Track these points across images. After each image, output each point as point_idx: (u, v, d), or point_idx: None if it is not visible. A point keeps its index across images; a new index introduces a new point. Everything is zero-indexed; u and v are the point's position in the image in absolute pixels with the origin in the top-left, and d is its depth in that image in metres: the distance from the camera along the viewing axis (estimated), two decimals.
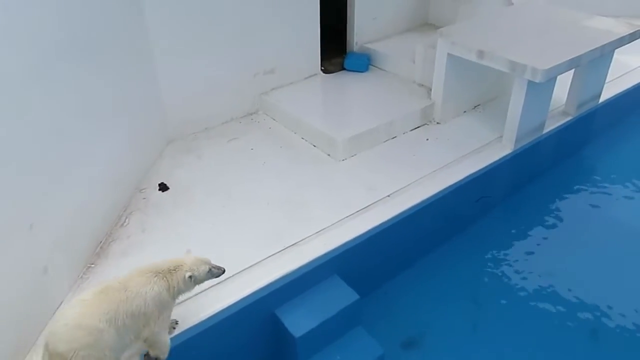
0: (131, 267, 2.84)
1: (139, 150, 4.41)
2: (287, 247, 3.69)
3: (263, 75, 5.38)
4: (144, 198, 4.24)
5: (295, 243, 3.73)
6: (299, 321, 3.33)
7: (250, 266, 3.53)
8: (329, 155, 4.75)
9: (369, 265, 3.91)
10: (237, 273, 3.47)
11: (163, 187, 4.35)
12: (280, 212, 4.05)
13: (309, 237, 3.78)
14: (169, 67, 4.67)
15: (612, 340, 3.69)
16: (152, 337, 2.70)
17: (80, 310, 2.48)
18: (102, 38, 3.70)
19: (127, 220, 4.00)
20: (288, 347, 3.34)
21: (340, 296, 3.50)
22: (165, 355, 2.82)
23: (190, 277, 2.80)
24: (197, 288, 2.98)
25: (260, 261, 3.57)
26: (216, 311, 3.19)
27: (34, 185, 2.99)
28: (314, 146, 4.89)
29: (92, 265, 3.58)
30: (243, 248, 3.68)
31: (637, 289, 4.10)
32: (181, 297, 2.92)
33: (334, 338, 3.45)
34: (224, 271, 3.02)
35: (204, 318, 3.15)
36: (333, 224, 3.90)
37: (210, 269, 2.93)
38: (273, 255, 3.63)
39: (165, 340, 2.81)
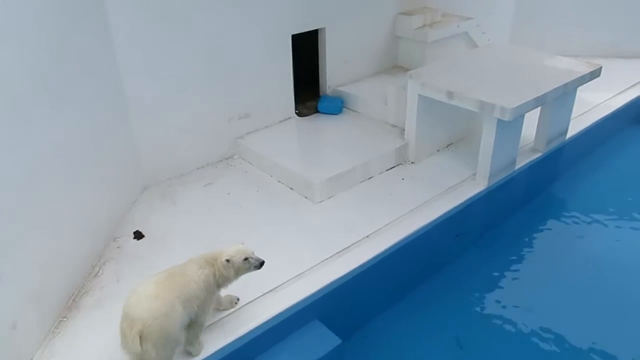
0: (105, 319, 2.77)
1: (113, 199, 4.34)
2: (265, 293, 3.63)
3: (238, 119, 5.42)
4: (119, 247, 4.15)
5: (275, 288, 3.67)
6: None
7: (229, 314, 3.45)
8: (306, 197, 4.75)
9: (350, 308, 3.86)
10: (216, 322, 3.39)
11: (138, 235, 4.27)
12: (258, 256, 3.99)
13: (288, 281, 3.73)
14: (143, 114, 4.68)
15: None
16: (201, 318, 3.06)
17: (154, 287, 2.84)
18: (75, 86, 3.70)
19: (101, 270, 3.89)
20: None
21: (321, 341, 3.44)
22: (197, 354, 3.12)
23: (227, 260, 3.09)
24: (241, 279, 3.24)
25: (239, 308, 3.50)
26: None
27: (3, 235, 2.91)
28: (291, 189, 4.89)
29: (64, 319, 3.46)
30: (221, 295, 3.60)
31: (611, 321, 4.13)
32: (226, 286, 3.21)
33: None
34: (262, 263, 3.23)
35: None
36: (312, 267, 3.87)
37: (247, 258, 3.16)
38: (252, 301, 3.56)
39: (204, 325, 3.15)
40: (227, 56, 5.10)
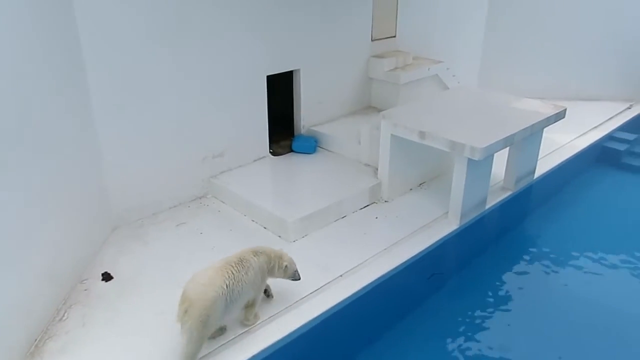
0: None
1: (80, 239, 4.23)
2: (240, 334, 3.54)
3: (212, 159, 5.40)
4: (86, 289, 4.02)
5: (249, 329, 3.59)
6: None
7: (205, 356, 3.34)
8: (280, 236, 4.72)
9: (325, 348, 3.79)
10: None
11: (107, 277, 4.16)
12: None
13: (262, 322, 3.66)
14: (114, 153, 4.64)
15: None
16: (257, 298, 3.60)
17: (208, 274, 3.33)
18: (45, 126, 3.65)
19: (66, 314, 3.75)
20: None
21: None
22: (254, 323, 3.62)
23: (286, 266, 3.71)
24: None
25: (211, 351, 3.40)
26: None
27: None
28: (265, 228, 4.86)
29: None
30: None
31: (591, 357, 4.15)
32: (267, 280, 3.71)
33: None
34: (299, 279, 3.85)
35: None
36: (286, 307, 3.81)
37: (296, 271, 3.81)
38: (224, 344, 3.47)
39: (257, 307, 3.65)
40: (202, 95, 5.13)
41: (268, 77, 5.69)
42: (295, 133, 6.38)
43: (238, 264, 3.44)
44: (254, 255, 3.56)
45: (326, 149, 6.20)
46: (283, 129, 6.35)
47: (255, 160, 5.84)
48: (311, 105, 6.32)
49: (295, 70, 6.07)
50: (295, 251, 4.48)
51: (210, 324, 3.24)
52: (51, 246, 3.74)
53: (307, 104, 6.26)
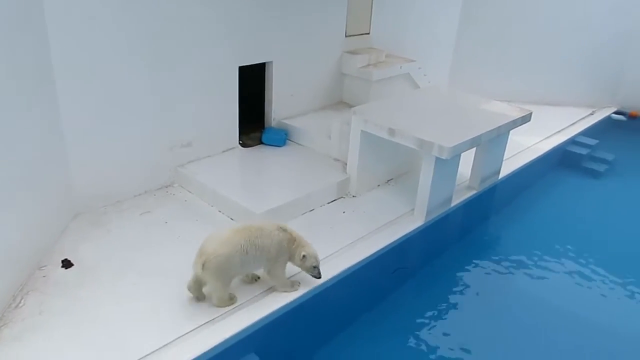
0: (25, 354, 2.62)
1: (39, 225, 4.11)
2: (201, 325, 3.51)
3: (180, 148, 5.33)
4: (44, 276, 3.92)
5: (211, 320, 3.57)
6: None
7: (161, 347, 3.31)
8: None
9: (287, 342, 3.80)
10: (146, 356, 3.24)
11: (67, 264, 4.06)
12: (320, 271, 3.91)
13: (224, 314, 3.63)
14: (77, 139, 4.54)
15: None
16: (272, 270, 3.76)
17: (229, 233, 3.61)
18: (6, 109, 3.53)
19: (22, 301, 3.65)
20: None
21: None
22: (283, 288, 3.85)
23: (304, 256, 3.76)
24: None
25: (172, 341, 3.36)
26: None
27: None
28: (232, 219, 4.83)
29: None
30: (155, 328, 3.46)
31: (545, 356, 4.28)
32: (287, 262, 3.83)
33: None
34: (319, 277, 3.88)
35: None
36: (250, 299, 3.79)
37: (316, 267, 3.84)
38: (186, 334, 3.43)
39: (282, 277, 3.84)
40: (171, 83, 5.05)
41: (240, 68, 5.64)
42: (266, 125, 6.35)
43: (257, 230, 3.67)
44: (276, 229, 3.73)
45: (296, 143, 6.19)
46: (253, 121, 6.31)
47: (224, 151, 5.79)
48: (283, 98, 6.30)
49: (268, 62, 6.03)
50: None
51: (228, 276, 3.59)
52: (7, 230, 3.63)
53: (278, 96, 6.24)
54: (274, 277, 3.81)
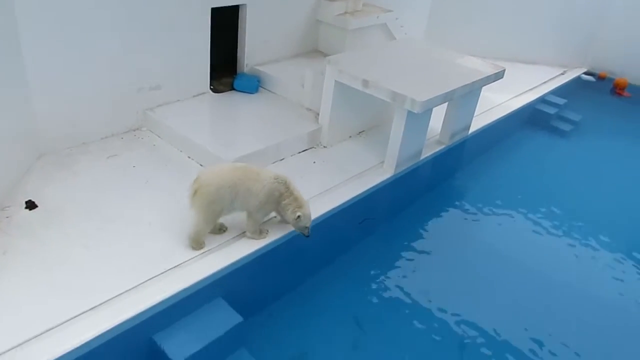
0: None
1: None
2: (168, 270, 3.54)
3: (148, 90, 5.19)
4: (7, 217, 3.85)
5: (178, 265, 3.59)
6: (179, 346, 3.19)
7: (128, 290, 3.33)
8: None
9: (254, 287, 3.87)
10: (113, 298, 3.26)
11: (30, 206, 3.99)
12: (163, 233, 3.89)
13: (192, 259, 3.67)
14: (41, 77, 4.35)
15: (476, 354, 3.98)
16: (253, 215, 3.79)
17: (225, 168, 3.74)
18: None
19: None
20: None
21: (223, 319, 3.42)
22: (253, 235, 3.88)
23: (299, 216, 3.76)
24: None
25: (139, 284, 3.39)
26: (88, 339, 2.96)
27: None
28: (201, 165, 4.79)
29: None
30: (121, 272, 3.47)
31: (500, 304, 4.49)
32: (280, 216, 3.96)
33: None
34: (308, 236, 3.91)
35: (74, 347, 2.90)
36: (218, 245, 3.82)
37: (307, 227, 3.87)
38: (153, 278, 3.46)
39: (257, 224, 3.87)
40: (140, 23, 4.86)
41: (213, 10, 5.45)
42: (238, 71, 6.22)
43: (253, 172, 3.72)
44: (272, 178, 3.75)
45: (268, 90, 6.10)
46: (225, 67, 6.16)
47: (194, 96, 5.66)
48: (256, 44, 6.14)
49: (242, 5, 5.83)
50: None
51: (214, 211, 3.63)
52: None
53: (251, 41, 6.08)
54: (250, 221, 3.84)
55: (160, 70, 5.21)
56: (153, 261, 3.59)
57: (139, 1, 4.76)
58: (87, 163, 4.60)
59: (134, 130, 5.21)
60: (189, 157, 4.88)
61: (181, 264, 3.61)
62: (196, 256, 3.69)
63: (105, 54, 4.71)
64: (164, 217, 4.04)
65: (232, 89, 5.96)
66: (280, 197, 3.77)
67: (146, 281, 3.42)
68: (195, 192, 3.57)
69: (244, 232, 3.95)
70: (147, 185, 4.43)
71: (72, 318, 3.08)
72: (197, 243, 3.71)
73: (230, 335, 3.37)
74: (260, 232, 3.92)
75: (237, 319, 3.43)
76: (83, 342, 2.94)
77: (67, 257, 3.55)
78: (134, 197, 4.26)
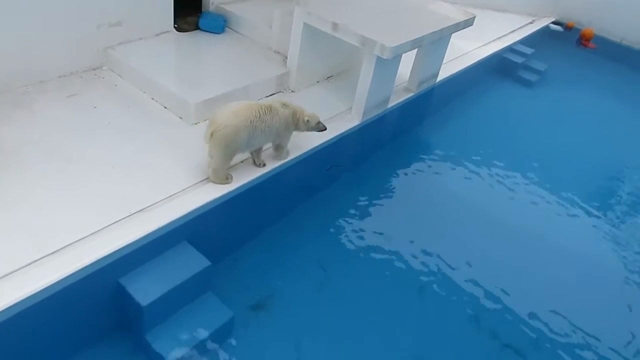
0: None
1: None
2: (133, 214, 3.51)
3: (108, 27, 4.95)
4: None
5: (143, 209, 3.56)
6: (146, 289, 3.21)
7: (92, 233, 3.30)
8: (180, 118, 4.57)
9: (220, 232, 3.90)
10: (77, 241, 3.23)
11: None
12: (126, 176, 3.83)
13: (157, 202, 3.64)
14: None
15: (436, 296, 4.18)
16: (280, 143, 4.14)
17: (239, 107, 3.74)
18: None
19: None
20: (134, 316, 3.23)
21: (190, 263, 3.45)
22: (285, 159, 4.27)
23: (307, 120, 4.11)
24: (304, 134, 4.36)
25: (103, 228, 3.36)
26: (53, 282, 2.94)
27: None
28: (165, 108, 4.67)
29: None
30: (84, 215, 3.42)
31: (459, 249, 4.67)
32: (295, 132, 4.20)
33: (183, 304, 3.41)
34: (325, 129, 4.30)
35: (38, 289, 2.89)
36: (183, 190, 3.80)
37: (319, 122, 4.21)
38: (118, 221, 3.43)
39: (285, 148, 4.25)
40: None
41: None
42: (203, 9, 5.97)
43: (267, 107, 3.84)
44: (282, 107, 3.97)
45: (235, 31, 5.90)
46: (190, 4, 5.90)
47: (157, 35, 5.44)
48: None
49: None
50: (196, 134, 4.41)
51: (233, 148, 3.72)
52: None
53: None
54: (279, 149, 4.19)
55: (121, 6, 4.96)
56: (117, 204, 3.55)
57: None
58: (46, 102, 4.42)
59: (95, 69, 4.99)
60: (152, 99, 4.75)
61: (146, 207, 3.58)
62: (161, 200, 3.66)
63: None
64: (128, 160, 3.97)
65: (197, 28, 5.74)
66: (293, 118, 4.06)
67: (111, 224, 3.39)
68: (212, 134, 3.62)
69: (205, 177, 3.93)
70: (110, 126, 4.31)
71: (34, 261, 3.05)
72: (218, 178, 3.86)
73: (197, 278, 3.41)
74: (288, 152, 4.26)
75: (204, 262, 3.47)
76: (46, 286, 2.92)
77: (27, 198, 3.47)
78: (95, 138, 4.14)
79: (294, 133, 4.23)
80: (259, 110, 3.77)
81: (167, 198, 3.69)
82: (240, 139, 3.68)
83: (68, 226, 3.30)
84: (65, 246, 3.17)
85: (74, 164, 3.84)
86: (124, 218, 3.46)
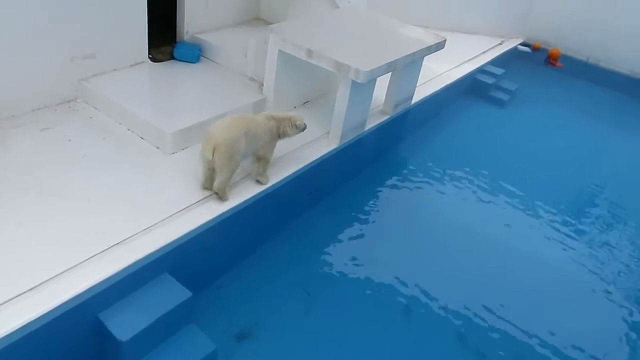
0: None
1: None
2: (111, 247, 3.44)
3: (82, 59, 4.92)
4: None
5: (121, 242, 3.49)
6: (125, 324, 3.12)
7: (69, 269, 3.21)
8: (158, 148, 4.54)
9: (201, 261, 3.84)
10: (53, 277, 3.14)
11: None
12: (103, 209, 3.76)
13: (135, 234, 3.57)
14: None
15: (422, 317, 4.16)
16: (264, 155, 4.24)
17: (230, 120, 3.96)
18: None
19: None
20: (115, 352, 3.13)
21: (171, 295, 3.37)
22: (266, 184, 4.31)
23: (297, 124, 4.32)
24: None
25: (80, 263, 3.27)
26: (29, 320, 2.84)
27: None
28: (142, 138, 4.63)
29: None
30: (60, 250, 3.34)
31: (443, 269, 4.68)
32: (282, 138, 4.36)
33: (164, 338, 3.32)
34: (306, 126, 4.45)
35: (14, 329, 2.79)
36: (162, 220, 3.74)
37: (303, 123, 4.37)
38: (95, 255, 3.35)
39: (270, 161, 4.35)
40: None
41: None
42: (178, 39, 5.99)
43: (252, 120, 4.10)
44: (266, 119, 4.20)
45: (210, 59, 5.93)
46: (165, 34, 5.92)
47: (132, 65, 5.42)
48: (196, 10, 5.92)
49: None
50: (174, 164, 4.39)
51: (236, 160, 3.92)
52: None
53: (191, 7, 5.85)
54: (263, 161, 4.29)
55: (94, 38, 4.94)
56: (94, 238, 3.47)
57: None
58: (18, 137, 4.34)
59: (69, 102, 4.94)
60: (128, 130, 4.70)
61: (124, 240, 3.51)
62: (140, 232, 3.60)
63: (29, 20, 4.39)
64: (104, 193, 3.90)
65: (173, 58, 5.75)
66: (277, 129, 4.24)
67: (88, 259, 3.31)
68: (214, 149, 3.76)
69: (185, 207, 3.89)
70: (85, 159, 4.25)
71: (10, 299, 2.95)
72: (224, 193, 4.01)
73: (179, 311, 3.33)
74: (267, 177, 4.34)
75: (186, 294, 3.39)
76: (22, 324, 2.82)
77: (1, 235, 3.37)
78: (70, 171, 4.07)
79: (286, 141, 4.47)
80: (247, 123, 3.99)
81: (145, 229, 3.63)
82: (239, 149, 3.88)
83: (44, 262, 3.21)
84: (41, 283, 3.08)
85: (49, 198, 3.76)
86: (102, 252, 3.39)
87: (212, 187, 4.00)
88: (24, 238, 3.39)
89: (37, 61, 4.59)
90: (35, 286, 3.06)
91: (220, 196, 4.00)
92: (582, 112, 8.15)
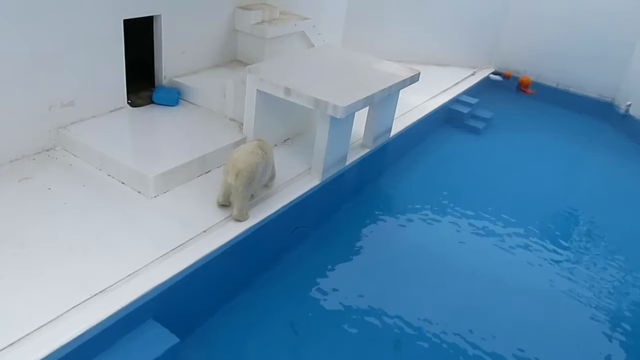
0: None
1: None
2: (94, 295, 3.38)
3: (60, 107, 4.93)
4: None
5: (104, 289, 3.44)
6: None
7: (51, 320, 3.14)
8: (139, 192, 4.52)
9: (187, 304, 3.78)
10: (36, 330, 3.07)
11: None
12: (85, 256, 3.71)
13: (119, 281, 3.52)
14: None
15: (410, 348, 4.13)
16: (273, 175, 4.78)
17: (250, 148, 4.30)
18: None
19: None
20: None
21: (157, 341, 3.32)
22: (245, 219, 4.36)
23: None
24: None
25: (62, 314, 3.20)
26: None
27: None
28: (123, 183, 4.61)
29: None
30: (41, 301, 3.27)
31: (431, 300, 4.66)
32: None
33: None
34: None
35: None
36: (146, 265, 3.70)
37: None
38: (78, 305, 3.29)
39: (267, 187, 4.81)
40: (47, 37, 4.61)
41: (125, 21, 5.27)
42: (156, 84, 6.05)
43: (260, 145, 4.38)
44: (266, 142, 4.54)
45: (189, 102, 5.98)
46: (142, 79, 5.97)
47: (111, 111, 5.44)
48: (173, 55, 6.01)
49: (156, 15, 5.68)
50: (156, 207, 4.36)
51: (253, 186, 4.23)
52: None
53: (169, 53, 5.94)
54: (270, 181, 4.76)
55: (73, 86, 4.97)
56: (76, 287, 3.41)
57: (42, 13, 4.51)
58: None
59: (48, 150, 4.92)
60: (109, 176, 4.68)
61: (107, 287, 3.45)
62: (123, 278, 3.55)
63: (5, 69, 4.41)
64: (86, 240, 3.86)
65: (152, 102, 5.78)
66: (270, 157, 4.55)
67: (71, 309, 3.25)
68: (237, 175, 4.05)
69: (169, 251, 3.86)
70: (65, 207, 4.21)
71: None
72: (243, 216, 4.28)
73: (166, 356, 3.27)
74: (246, 214, 4.38)
75: (173, 339, 3.34)
76: None
77: None
78: (50, 220, 4.02)
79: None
80: (260, 150, 4.33)
81: (129, 276, 3.58)
82: (257, 175, 4.22)
83: (25, 314, 3.14)
84: (23, 337, 3.01)
85: (29, 248, 3.70)
86: (85, 301, 3.33)
87: (226, 202, 4.33)
88: (3, 290, 3.32)
89: (15, 111, 4.58)
90: (17, 340, 2.98)
91: (242, 220, 4.28)
92: (556, 136, 8.36)
